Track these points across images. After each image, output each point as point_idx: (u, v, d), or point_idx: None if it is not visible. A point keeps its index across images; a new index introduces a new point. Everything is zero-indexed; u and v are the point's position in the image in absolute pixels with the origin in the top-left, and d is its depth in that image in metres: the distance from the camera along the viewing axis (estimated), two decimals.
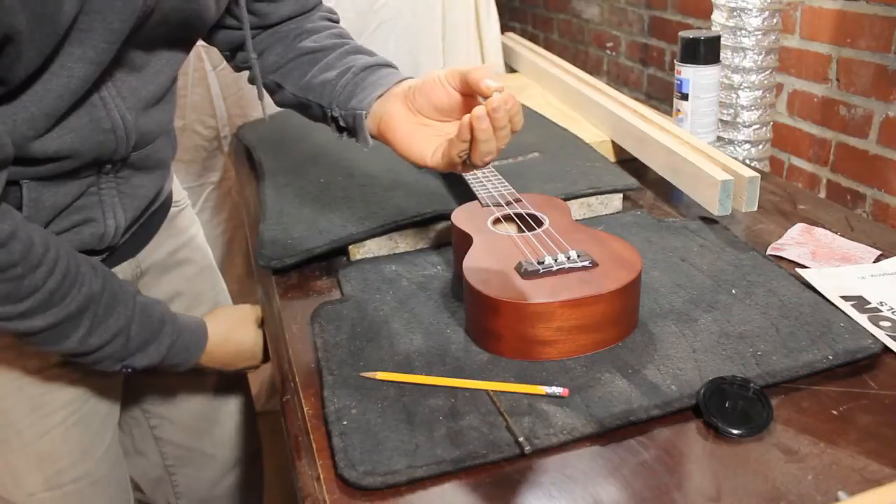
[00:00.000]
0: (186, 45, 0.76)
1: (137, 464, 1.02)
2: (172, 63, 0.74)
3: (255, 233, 0.94)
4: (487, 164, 0.68)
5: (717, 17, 1.23)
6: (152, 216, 0.87)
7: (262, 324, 0.91)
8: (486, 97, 0.66)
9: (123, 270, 0.84)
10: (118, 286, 0.72)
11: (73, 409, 0.83)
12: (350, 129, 0.79)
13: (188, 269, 0.97)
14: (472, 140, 0.66)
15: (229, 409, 1.06)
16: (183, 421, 1.02)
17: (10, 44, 0.56)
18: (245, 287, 1.51)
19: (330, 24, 0.87)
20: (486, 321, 0.67)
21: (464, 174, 0.92)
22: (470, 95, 0.71)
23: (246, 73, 0.87)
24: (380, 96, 0.75)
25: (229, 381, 1.04)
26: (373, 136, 0.78)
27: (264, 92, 0.84)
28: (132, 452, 1.02)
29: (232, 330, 0.88)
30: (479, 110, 0.65)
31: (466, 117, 0.65)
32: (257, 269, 0.90)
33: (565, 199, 0.89)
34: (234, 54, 0.88)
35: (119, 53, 0.64)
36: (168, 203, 0.92)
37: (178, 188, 0.98)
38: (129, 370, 0.76)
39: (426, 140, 0.72)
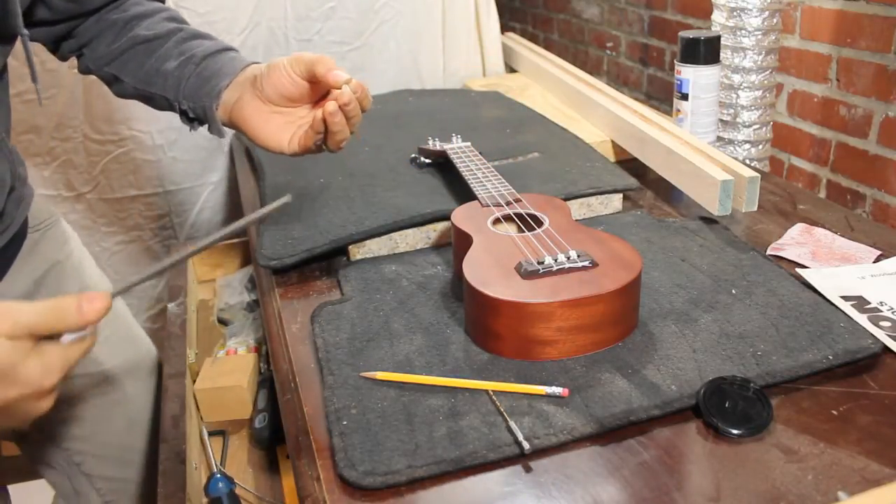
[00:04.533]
0: None
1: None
2: None
3: (255, 233, 0.94)
4: (342, 148, 0.74)
5: (717, 17, 1.23)
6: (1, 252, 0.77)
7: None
8: (335, 88, 0.70)
9: None
10: None
11: None
12: (200, 119, 0.79)
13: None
14: (327, 131, 0.71)
15: (150, 438, 0.99)
16: (105, 453, 0.96)
17: None
18: None
19: (158, 6, 0.84)
20: (486, 321, 0.67)
21: (464, 174, 0.92)
22: (316, 82, 0.73)
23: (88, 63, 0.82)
24: (227, 85, 0.76)
25: (142, 409, 0.97)
26: (224, 125, 0.78)
27: (38, 75, 0.73)
28: (72, 494, 0.96)
29: None
30: (331, 106, 0.69)
31: (319, 112, 0.70)
32: (257, 268, 0.90)
33: (565, 199, 0.89)
34: (57, 46, 0.82)
35: None
36: (22, 233, 0.80)
37: (42, 206, 0.86)
38: None
39: (280, 128, 0.76)
